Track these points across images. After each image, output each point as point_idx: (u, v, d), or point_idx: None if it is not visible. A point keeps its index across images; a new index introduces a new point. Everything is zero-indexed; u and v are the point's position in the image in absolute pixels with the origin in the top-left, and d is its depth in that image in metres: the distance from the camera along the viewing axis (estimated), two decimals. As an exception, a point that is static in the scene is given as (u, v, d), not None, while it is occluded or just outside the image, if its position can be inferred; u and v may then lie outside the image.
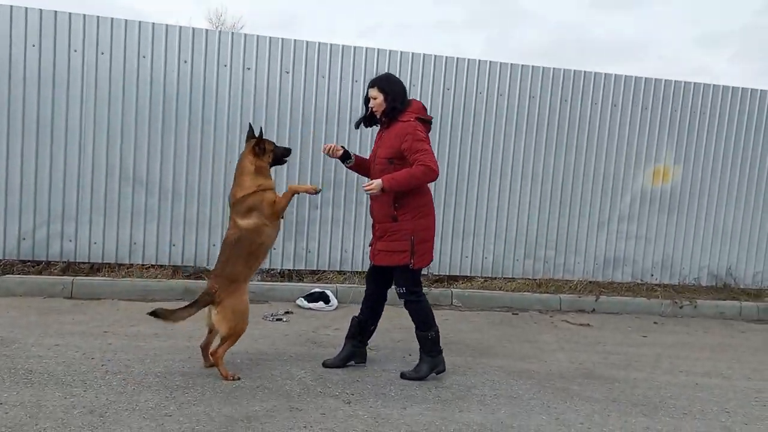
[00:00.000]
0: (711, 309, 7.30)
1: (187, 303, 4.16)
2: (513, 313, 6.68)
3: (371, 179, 4.22)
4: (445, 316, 6.34)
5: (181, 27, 6.65)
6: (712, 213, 8.02)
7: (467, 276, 7.51)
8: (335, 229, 7.19)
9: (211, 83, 6.74)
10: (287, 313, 5.95)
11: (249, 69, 6.83)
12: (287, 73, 6.91)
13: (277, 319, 5.70)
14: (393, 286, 4.34)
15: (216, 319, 4.05)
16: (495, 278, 7.50)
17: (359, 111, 7.02)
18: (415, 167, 4.03)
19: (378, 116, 4.31)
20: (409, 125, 4.12)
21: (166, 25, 6.60)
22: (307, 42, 6.94)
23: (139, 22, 6.53)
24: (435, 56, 7.23)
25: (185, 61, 6.67)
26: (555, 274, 7.74)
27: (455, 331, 5.76)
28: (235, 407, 3.57)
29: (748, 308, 7.39)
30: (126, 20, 6.49)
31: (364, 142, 6.97)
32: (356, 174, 7.05)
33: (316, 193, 4.51)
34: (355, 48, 7.04)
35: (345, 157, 4.46)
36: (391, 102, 4.20)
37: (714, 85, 7.89)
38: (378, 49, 7.10)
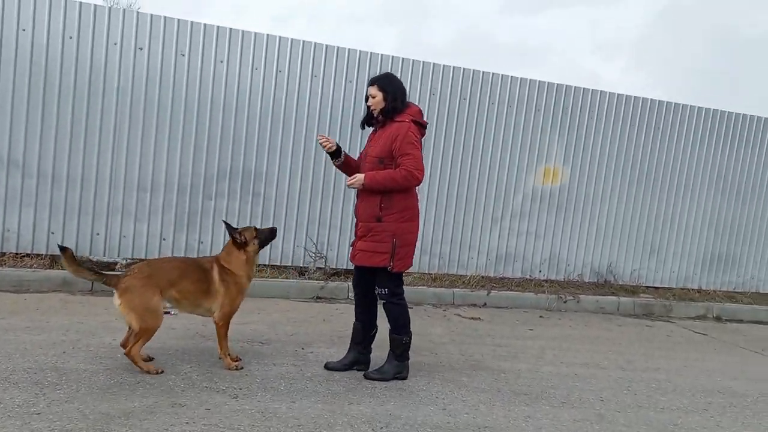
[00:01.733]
0: (592, 304, 7.71)
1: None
2: (408, 307, 6.72)
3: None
4: (341, 309, 6.33)
5: (66, 1, 6.23)
6: (596, 213, 8.48)
7: (364, 270, 7.52)
8: (230, 220, 6.98)
9: (99, 62, 6.38)
10: (175, 305, 5.70)
11: (141, 49, 6.51)
12: (183, 56, 6.64)
13: (165, 313, 5.44)
14: (375, 287, 4.24)
15: (123, 311, 3.81)
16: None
17: (259, 99, 6.92)
18: (398, 170, 4.00)
19: (375, 115, 4.21)
20: (403, 126, 4.06)
21: (50, -2, 6.17)
22: (205, 25, 6.71)
23: (19, -8, 6.07)
24: (338, 48, 7.22)
25: (70, 37, 6.27)
26: (450, 269, 7.92)
27: (349, 324, 5.68)
28: (112, 404, 3.36)
29: (626, 303, 7.87)
30: (4, -11, 6.02)
31: (256, 138, 6.85)
32: (253, 165, 6.98)
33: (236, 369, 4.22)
34: (255, 34, 6.87)
35: (336, 153, 4.32)
36: (391, 101, 4.12)
37: (601, 91, 8.35)
38: (280, 37, 6.98)
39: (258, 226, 4.46)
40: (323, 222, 7.33)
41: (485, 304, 7.28)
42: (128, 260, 6.59)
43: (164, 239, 6.78)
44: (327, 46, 7.16)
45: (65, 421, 3.09)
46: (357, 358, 4.43)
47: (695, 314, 8.08)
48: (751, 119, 8.92)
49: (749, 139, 8.94)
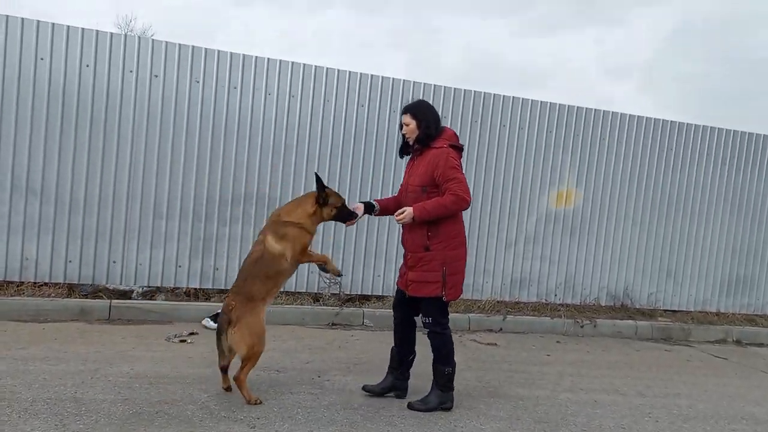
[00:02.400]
0: (609, 328, 7.63)
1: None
2: (423, 333, 6.69)
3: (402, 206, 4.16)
4: (356, 336, 6.30)
5: (83, 29, 6.34)
6: (611, 236, 8.42)
7: (379, 295, 7.50)
8: (245, 246, 6.98)
9: (115, 89, 6.47)
10: (192, 334, 5.72)
11: (156, 76, 6.60)
12: (197, 82, 6.72)
13: (181, 341, 5.47)
14: (420, 316, 4.26)
15: (233, 339, 3.91)
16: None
17: (272, 124, 6.99)
18: (446, 196, 4.00)
19: (411, 143, 4.23)
20: (442, 152, 4.07)
21: (68, 26, 6.28)
22: (219, 51, 6.79)
23: (38, 21, 6.20)
24: (350, 72, 7.27)
25: (87, 65, 6.37)
26: (464, 294, 7.81)
27: (365, 351, 5.71)
28: (131, 435, 3.36)
29: (643, 327, 7.78)
30: (23, 19, 6.14)
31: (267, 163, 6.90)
32: (267, 190, 7.01)
33: (337, 275, 4.43)
34: (268, 60, 6.95)
35: (368, 209, 4.38)
36: (425, 129, 4.13)
37: (613, 112, 8.32)
38: (292, 63, 7.05)
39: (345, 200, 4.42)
40: (337, 247, 7.32)
41: (501, 329, 7.23)
42: (144, 288, 6.62)
43: (180, 266, 6.80)
44: (339, 70, 7.22)
45: (85, 454, 3.09)
46: (394, 384, 4.43)
47: (715, 338, 7.97)
48: (764, 139, 8.86)
49: (765, 159, 8.88)
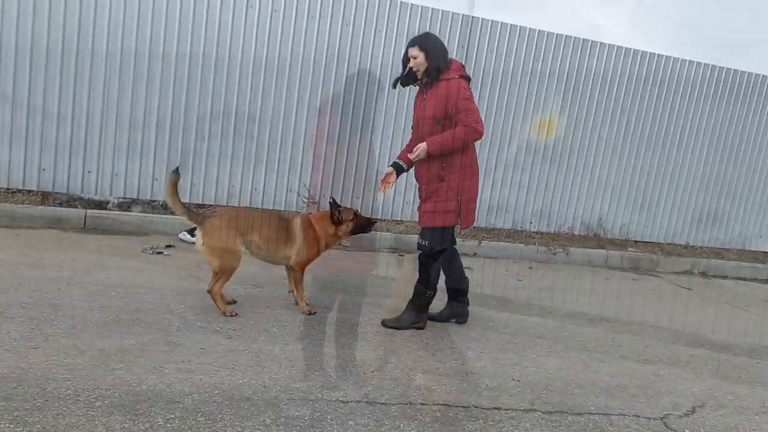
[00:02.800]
0: (581, 257, 7.81)
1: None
2: (399, 255, 6.81)
3: (417, 143, 4.12)
4: (333, 255, 6.33)
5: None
6: (589, 167, 8.48)
7: (356, 216, 7.54)
8: (223, 162, 6.95)
9: (89, 3, 6.24)
10: (168, 246, 5.73)
11: (132, -11, 6.35)
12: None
13: (158, 253, 5.49)
14: (418, 237, 4.33)
15: (204, 251, 3.98)
16: (384, 220, 7.59)
17: (253, 42, 6.78)
18: (459, 128, 3.98)
19: (419, 76, 4.15)
20: (453, 83, 4.02)
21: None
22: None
23: None
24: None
25: (59, -29, 6.09)
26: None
27: (342, 269, 5.80)
28: (108, 341, 3.41)
29: (614, 257, 7.97)
30: None
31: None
32: (246, 106, 6.89)
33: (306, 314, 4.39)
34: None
35: (399, 170, 4.34)
36: (434, 61, 4.06)
37: (600, 42, 8.19)
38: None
39: (358, 210, 4.58)
40: (317, 167, 7.29)
41: (475, 254, 7.35)
42: (120, 199, 6.57)
43: (156, 179, 6.74)
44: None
45: (62, 356, 3.13)
46: (453, 312, 4.59)
47: (681, 269, 8.21)
48: (749, 76, 8.85)
49: (747, 95, 8.88)
